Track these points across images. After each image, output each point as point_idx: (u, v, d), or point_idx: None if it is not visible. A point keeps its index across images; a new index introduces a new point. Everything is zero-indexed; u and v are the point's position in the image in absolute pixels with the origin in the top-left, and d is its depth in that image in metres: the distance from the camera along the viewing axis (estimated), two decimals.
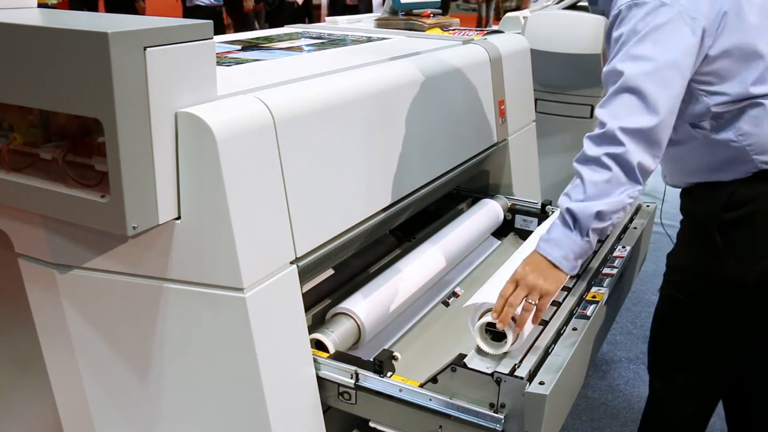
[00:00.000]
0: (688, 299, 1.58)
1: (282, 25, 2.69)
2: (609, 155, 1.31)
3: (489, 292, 1.45)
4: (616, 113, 1.32)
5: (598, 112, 1.36)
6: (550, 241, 1.37)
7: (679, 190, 1.63)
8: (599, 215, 1.31)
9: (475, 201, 2.31)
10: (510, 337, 1.36)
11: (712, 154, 1.46)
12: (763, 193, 1.44)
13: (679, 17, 1.32)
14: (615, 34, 1.38)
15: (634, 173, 1.31)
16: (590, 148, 1.34)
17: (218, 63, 1.60)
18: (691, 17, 1.33)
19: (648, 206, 2.19)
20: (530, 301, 1.33)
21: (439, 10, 2.81)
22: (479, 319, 1.40)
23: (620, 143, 1.30)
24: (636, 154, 1.30)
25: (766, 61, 1.39)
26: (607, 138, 1.32)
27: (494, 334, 1.39)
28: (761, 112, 1.40)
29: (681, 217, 1.64)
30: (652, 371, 1.72)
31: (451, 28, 2.63)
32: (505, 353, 1.37)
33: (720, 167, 1.46)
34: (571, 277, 1.75)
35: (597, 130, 1.35)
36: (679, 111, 1.39)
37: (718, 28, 1.36)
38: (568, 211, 1.34)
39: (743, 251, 1.47)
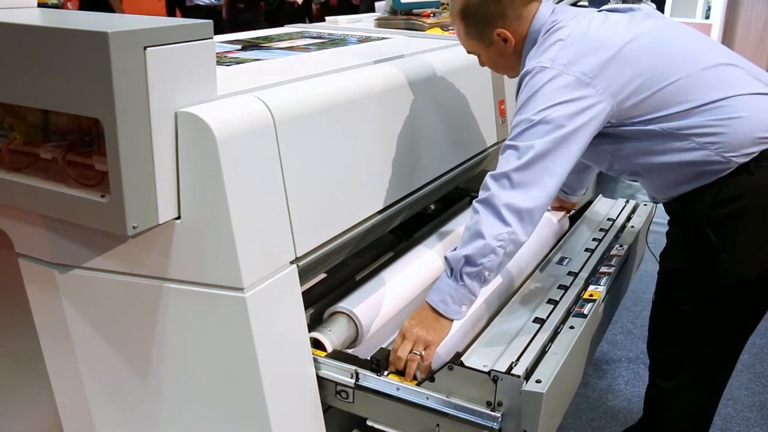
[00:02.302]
0: (688, 299, 1.59)
1: (282, 25, 2.69)
2: (479, 201, 1.45)
3: None
4: (497, 168, 1.46)
5: None
6: (434, 288, 1.48)
7: None
8: (467, 259, 1.41)
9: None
10: (418, 375, 1.43)
11: (689, 167, 1.51)
12: (750, 185, 1.47)
13: (559, 76, 1.45)
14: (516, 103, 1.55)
15: (500, 214, 1.41)
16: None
17: (218, 63, 1.60)
18: (569, 74, 1.44)
19: (646, 205, 2.20)
20: (416, 352, 1.42)
21: (439, 10, 2.81)
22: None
23: (487, 189, 1.44)
24: (501, 195, 1.41)
25: (689, 79, 1.47)
26: (482, 188, 1.46)
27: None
28: (714, 118, 1.46)
29: None
30: (655, 370, 1.73)
31: (450, 28, 2.63)
32: None
33: (701, 174, 1.51)
34: (569, 275, 1.76)
35: None
36: (640, 143, 1.51)
37: (610, 76, 1.46)
38: (446, 258, 1.46)
39: (739, 246, 1.50)
